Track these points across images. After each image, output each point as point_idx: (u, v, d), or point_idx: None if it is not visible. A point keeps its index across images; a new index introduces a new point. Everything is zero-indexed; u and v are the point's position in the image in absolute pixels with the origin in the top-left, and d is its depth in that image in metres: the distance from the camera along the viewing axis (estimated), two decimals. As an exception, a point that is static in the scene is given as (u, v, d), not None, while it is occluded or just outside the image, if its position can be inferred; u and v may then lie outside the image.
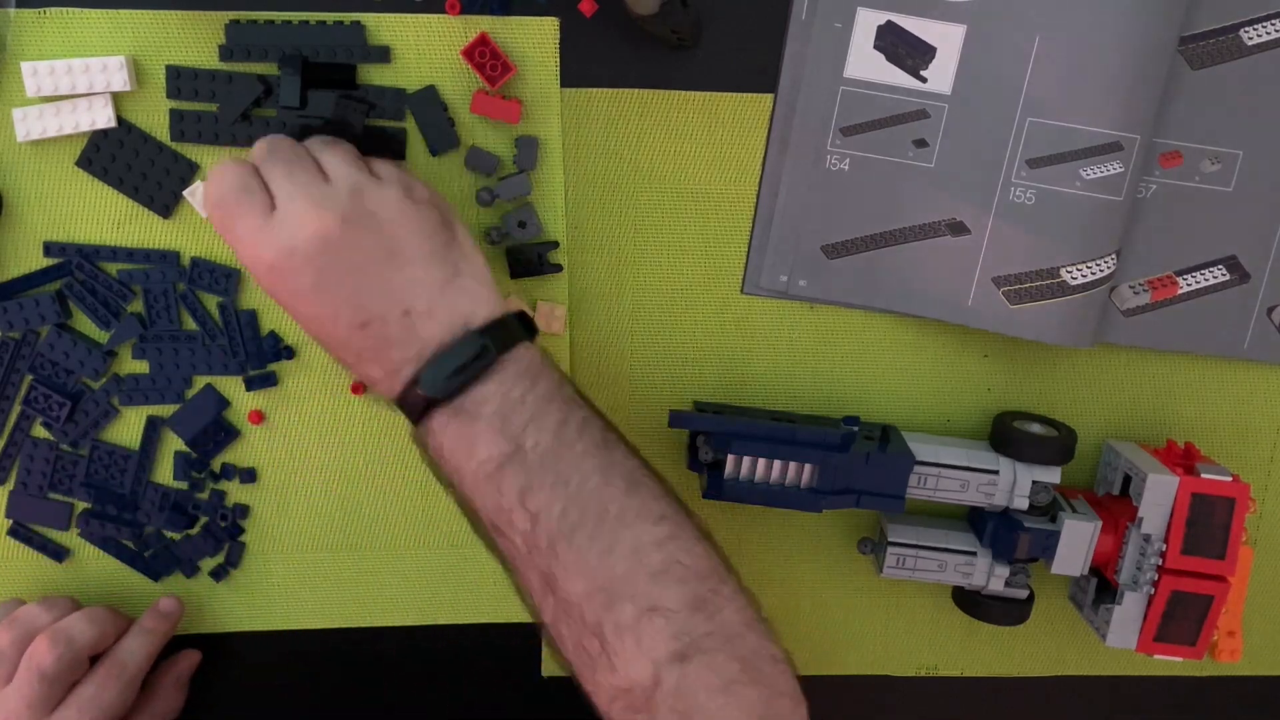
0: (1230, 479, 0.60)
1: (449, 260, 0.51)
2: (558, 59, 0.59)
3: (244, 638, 0.66)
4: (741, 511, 0.67)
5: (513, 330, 0.51)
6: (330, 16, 0.58)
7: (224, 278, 0.61)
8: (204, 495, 0.64)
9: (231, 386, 0.63)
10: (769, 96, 0.60)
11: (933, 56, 0.59)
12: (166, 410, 0.62)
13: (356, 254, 0.49)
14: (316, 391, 0.63)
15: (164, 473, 0.64)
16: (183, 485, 0.64)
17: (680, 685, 0.46)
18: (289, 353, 0.62)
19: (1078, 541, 0.61)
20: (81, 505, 0.64)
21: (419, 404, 0.50)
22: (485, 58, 0.57)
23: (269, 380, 0.62)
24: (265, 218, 0.49)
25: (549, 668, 0.68)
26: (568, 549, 0.48)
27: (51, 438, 0.62)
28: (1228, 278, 0.63)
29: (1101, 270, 0.59)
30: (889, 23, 0.58)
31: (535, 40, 0.58)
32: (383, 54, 0.58)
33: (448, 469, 0.50)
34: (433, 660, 0.68)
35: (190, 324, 0.61)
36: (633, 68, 0.60)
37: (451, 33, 0.58)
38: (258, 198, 0.50)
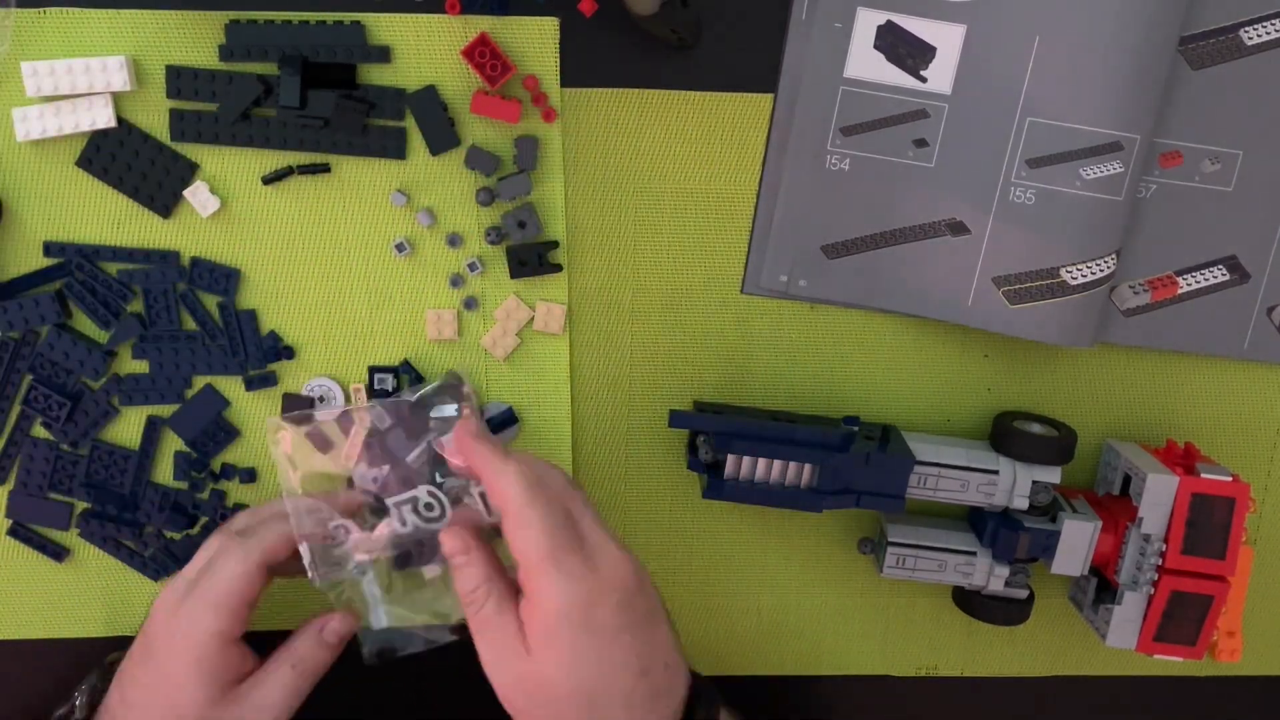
0: (1230, 479, 0.60)
1: (669, 620, 0.55)
2: (558, 59, 0.59)
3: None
4: (741, 511, 0.67)
5: (703, 680, 0.57)
6: (330, 16, 0.58)
7: (224, 278, 0.61)
8: (204, 495, 0.64)
9: (231, 386, 0.63)
10: (769, 96, 0.60)
11: (933, 56, 0.59)
12: (166, 410, 0.63)
13: (644, 608, 0.52)
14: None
15: (164, 473, 0.64)
16: (183, 485, 0.64)
17: None
18: (289, 353, 0.62)
19: (1078, 541, 0.61)
20: (81, 505, 0.64)
21: None
22: (485, 58, 0.57)
23: (269, 380, 0.62)
24: (586, 555, 0.50)
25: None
26: None
27: (51, 438, 0.62)
28: (1228, 278, 0.63)
29: (1101, 270, 0.59)
30: (889, 23, 0.58)
31: (535, 40, 0.58)
32: (383, 54, 0.58)
33: None
34: (433, 660, 0.68)
35: (190, 324, 0.61)
36: (633, 68, 0.60)
37: (451, 33, 0.58)
38: (578, 540, 0.51)
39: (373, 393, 0.62)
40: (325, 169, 0.60)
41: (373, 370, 0.63)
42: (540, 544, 0.49)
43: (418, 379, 0.62)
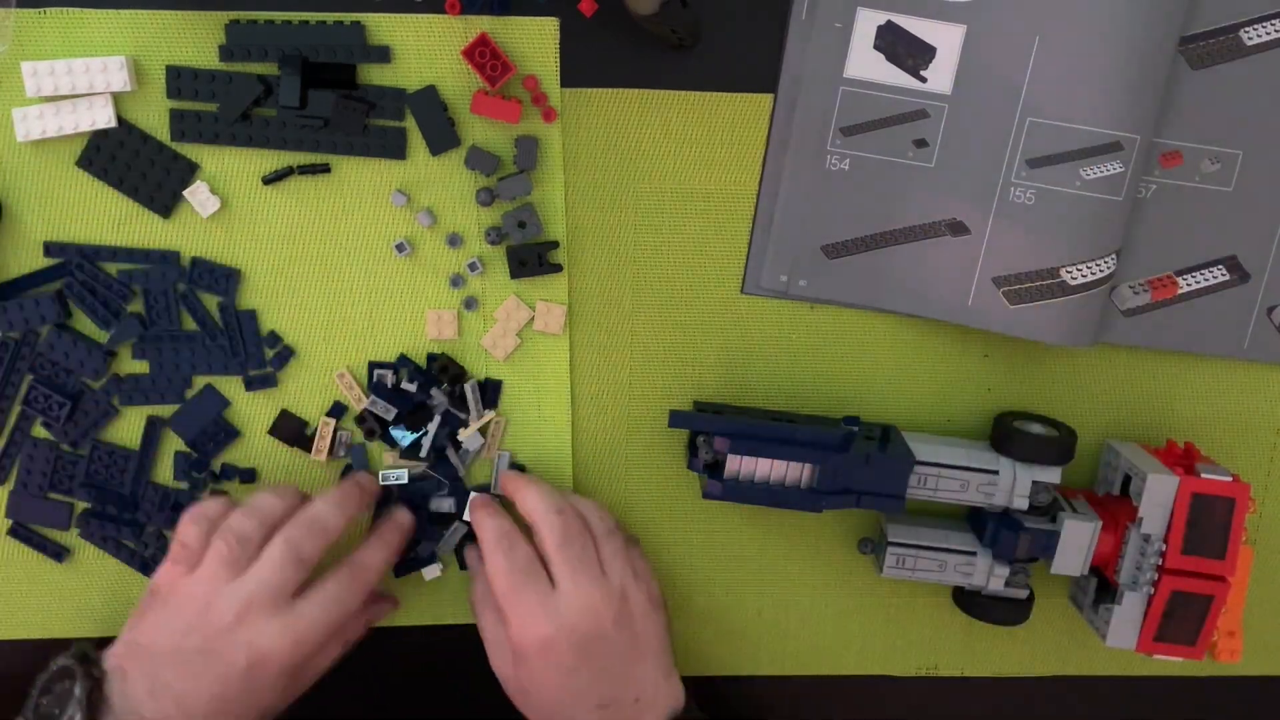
0: (1230, 479, 0.60)
1: (669, 654, 0.61)
2: (558, 59, 0.59)
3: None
4: (741, 511, 0.67)
5: (695, 712, 0.61)
6: (330, 16, 0.58)
7: (224, 278, 0.61)
8: (204, 496, 0.64)
9: (231, 386, 0.63)
10: (769, 96, 0.60)
11: (933, 56, 0.59)
12: (167, 410, 0.63)
13: (615, 647, 0.57)
14: (314, 392, 0.63)
15: (164, 473, 0.64)
16: (183, 485, 0.64)
17: None
18: (289, 353, 0.62)
19: (1078, 541, 0.61)
20: (81, 505, 0.64)
21: None
22: (485, 58, 0.57)
23: (269, 381, 0.62)
24: (546, 597, 0.57)
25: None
26: None
27: (51, 438, 0.62)
28: (1228, 278, 0.63)
29: (1101, 270, 0.59)
30: (889, 23, 0.58)
31: (535, 40, 0.58)
32: (383, 54, 0.58)
33: None
34: (433, 660, 0.68)
35: (190, 324, 0.61)
36: (633, 68, 0.60)
37: (451, 33, 0.58)
38: (543, 582, 0.57)
39: (371, 388, 0.62)
40: (325, 169, 0.60)
41: (372, 366, 0.63)
42: (499, 584, 0.57)
43: (417, 373, 0.62)
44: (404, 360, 0.63)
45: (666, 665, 0.60)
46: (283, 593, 0.55)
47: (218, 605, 0.54)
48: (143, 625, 0.55)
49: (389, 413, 0.62)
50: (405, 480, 0.64)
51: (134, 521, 0.64)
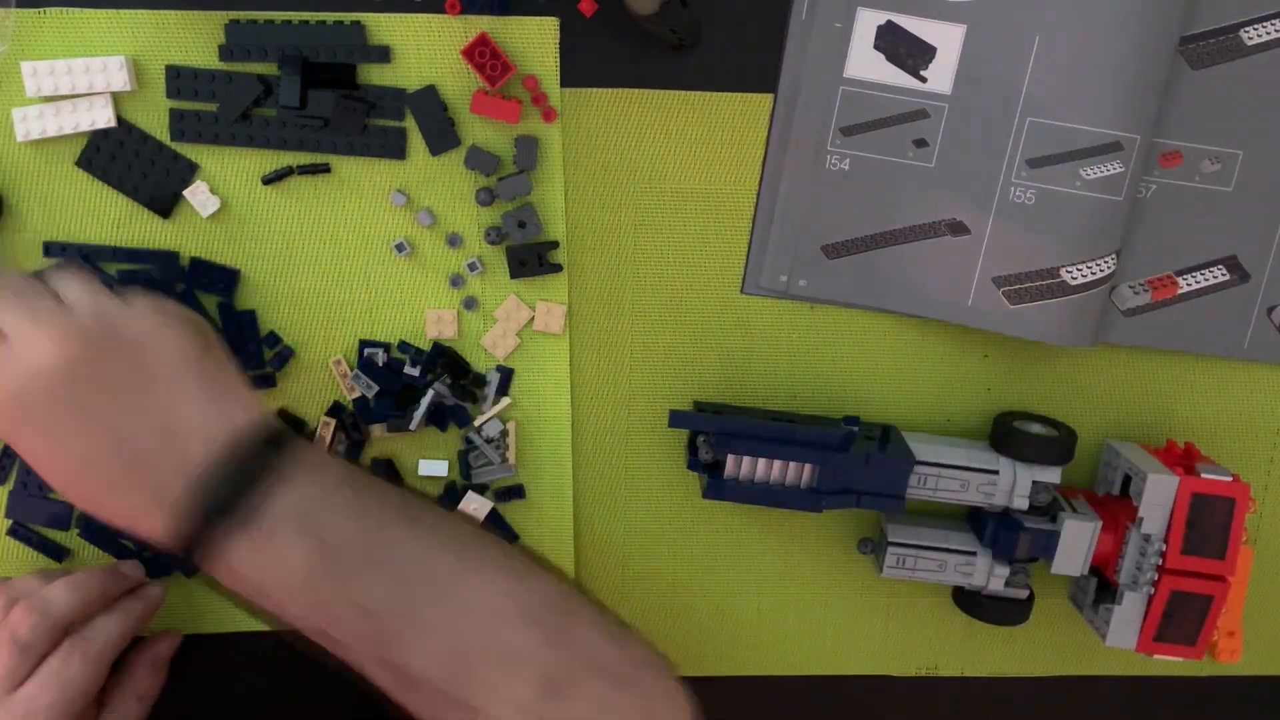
0: (1230, 479, 0.60)
1: (207, 370, 0.49)
2: (558, 59, 0.59)
3: (244, 638, 0.66)
4: (741, 511, 0.67)
5: (283, 429, 0.49)
6: (330, 16, 0.58)
7: (224, 278, 0.61)
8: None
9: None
10: (769, 96, 0.60)
11: (933, 56, 0.59)
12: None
13: (108, 377, 0.46)
14: (314, 392, 0.63)
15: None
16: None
17: None
18: (289, 353, 0.62)
19: (1078, 541, 0.61)
20: None
21: (201, 529, 0.46)
22: (485, 58, 0.57)
23: (268, 381, 0.62)
24: None
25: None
26: (408, 630, 0.46)
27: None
28: (1228, 278, 0.63)
29: (1101, 270, 0.59)
30: (889, 23, 0.58)
31: (535, 40, 0.58)
32: (383, 54, 0.58)
33: (251, 592, 0.47)
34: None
35: (190, 324, 0.61)
36: (633, 68, 0.60)
37: (451, 33, 0.58)
38: None
39: (360, 365, 0.62)
40: (325, 169, 0.60)
41: (363, 344, 0.62)
42: None
43: (419, 357, 0.62)
44: (405, 346, 0.62)
45: (208, 382, 0.48)
46: (4, 678, 0.51)
47: None
48: None
49: (370, 389, 0.62)
50: (444, 473, 0.64)
51: None
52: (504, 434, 0.64)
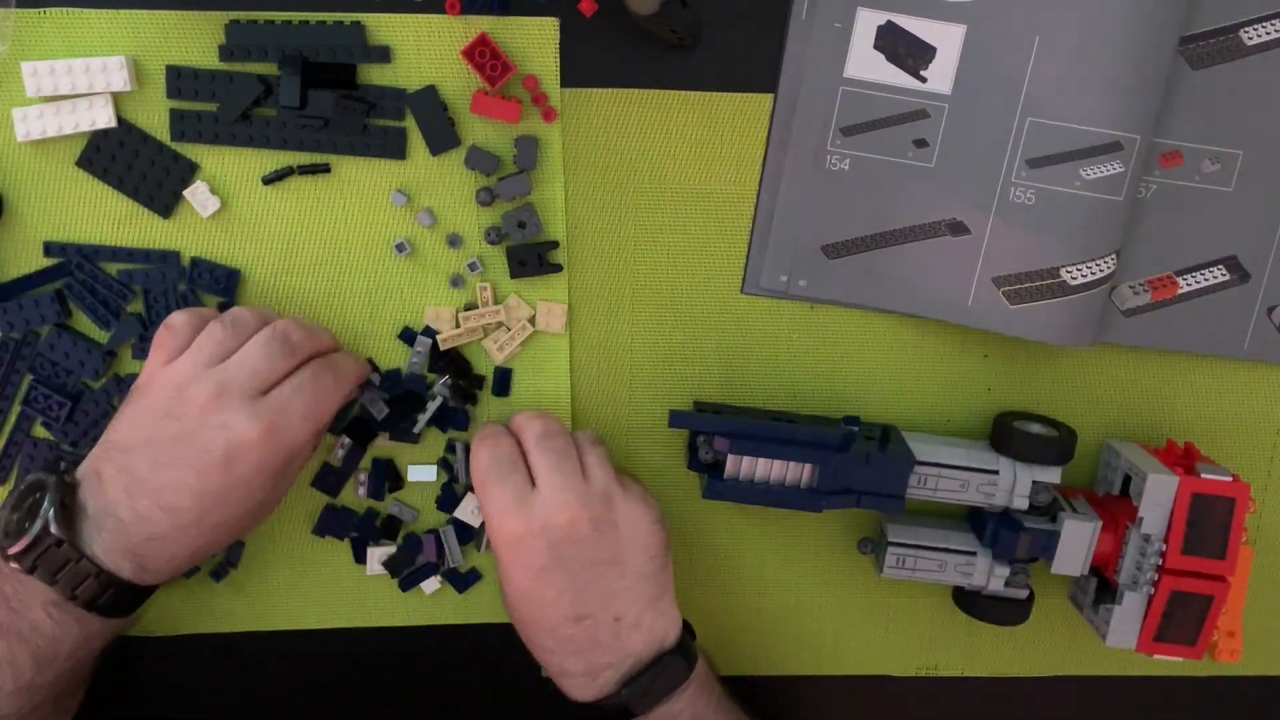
0: (1230, 479, 0.60)
1: (659, 581, 0.57)
2: (558, 59, 0.59)
3: (244, 637, 0.66)
4: (741, 511, 0.67)
5: (692, 649, 0.58)
6: (330, 16, 0.58)
7: (224, 278, 0.61)
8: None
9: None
10: (769, 96, 0.60)
11: (933, 56, 0.59)
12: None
13: (593, 553, 0.55)
14: (316, 391, 0.63)
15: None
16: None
17: None
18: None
19: (1078, 541, 0.61)
20: None
21: (616, 712, 0.56)
22: (485, 58, 0.57)
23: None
24: (523, 494, 0.55)
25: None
26: None
27: (52, 438, 0.62)
28: (1228, 278, 0.63)
29: (1101, 270, 0.59)
30: (889, 23, 0.58)
31: (535, 40, 0.58)
32: (383, 54, 0.58)
33: None
34: (433, 660, 0.68)
35: (190, 324, 0.61)
36: (633, 68, 0.60)
37: (451, 33, 0.58)
38: (521, 474, 0.56)
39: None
40: (325, 169, 0.60)
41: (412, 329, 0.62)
42: (477, 478, 0.56)
43: (433, 350, 0.62)
44: (430, 332, 0.62)
45: (656, 592, 0.57)
46: (261, 379, 0.52)
47: (193, 389, 0.52)
48: (119, 424, 0.53)
49: (382, 412, 0.62)
50: (433, 479, 0.64)
51: None
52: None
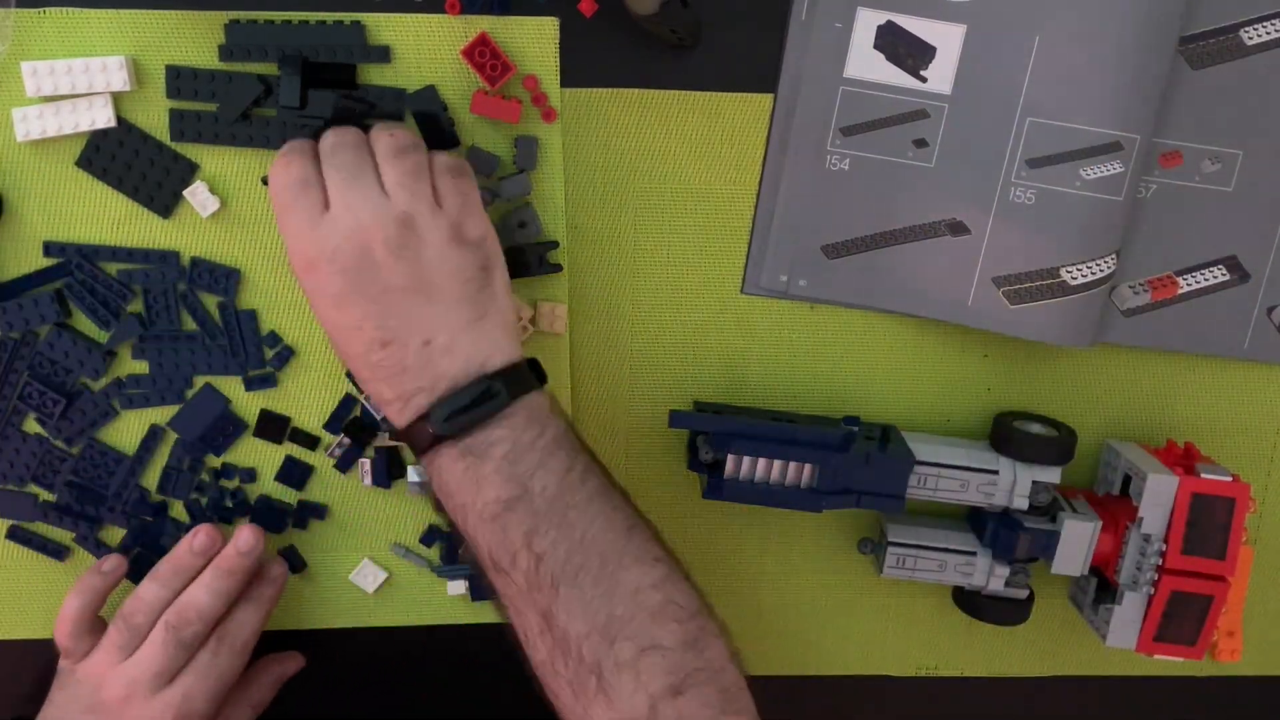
0: (1230, 479, 0.60)
1: (478, 303, 0.53)
2: (558, 59, 0.59)
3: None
4: (741, 511, 0.67)
5: (525, 378, 0.53)
6: (330, 16, 0.58)
7: (224, 278, 0.61)
8: (204, 499, 0.64)
9: (231, 387, 0.62)
10: (769, 96, 0.60)
11: (933, 56, 0.59)
12: (167, 412, 0.62)
13: (391, 277, 0.51)
14: (316, 390, 0.63)
15: (152, 478, 0.63)
16: (164, 498, 0.64)
17: (675, 718, 0.48)
18: (289, 352, 0.62)
19: (1078, 541, 0.61)
20: (45, 495, 0.63)
21: (426, 437, 0.51)
22: (485, 58, 0.57)
23: (269, 381, 0.62)
24: (316, 216, 0.51)
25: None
26: (570, 590, 0.50)
27: (45, 434, 0.62)
28: (1228, 278, 0.63)
29: (1101, 270, 0.59)
30: (889, 23, 0.58)
31: (535, 40, 0.58)
32: (383, 54, 0.58)
33: (451, 504, 0.52)
34: (433, 660, 0.68)
35: (190, 324, 0.61)
36: (633, 68, 0.60)
37: (451, 33, 0.58)
38: (314, 196, 0.51)
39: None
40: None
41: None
42: (274, 203, 0.53)
43: None
44: None
45: (474, 315, 0.52)
46: (163, 674, 0.58)
47: (107, 685, 0.58)
48: (53, 702, 0.60)
49: (380, 412, 0.62)
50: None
51: (96, 518, 0.63)
52: None
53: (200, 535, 0.61)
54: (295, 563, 0.66)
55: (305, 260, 0.52)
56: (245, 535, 0.61)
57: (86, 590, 0.60)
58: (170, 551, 0.62)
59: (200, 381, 0.62)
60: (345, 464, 0.64)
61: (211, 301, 0.61)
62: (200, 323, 0.61)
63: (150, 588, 0.60)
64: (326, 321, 0.53)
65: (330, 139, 0.53)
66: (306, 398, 0.63)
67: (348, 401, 0.63)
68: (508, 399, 0.51)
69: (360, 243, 0.51)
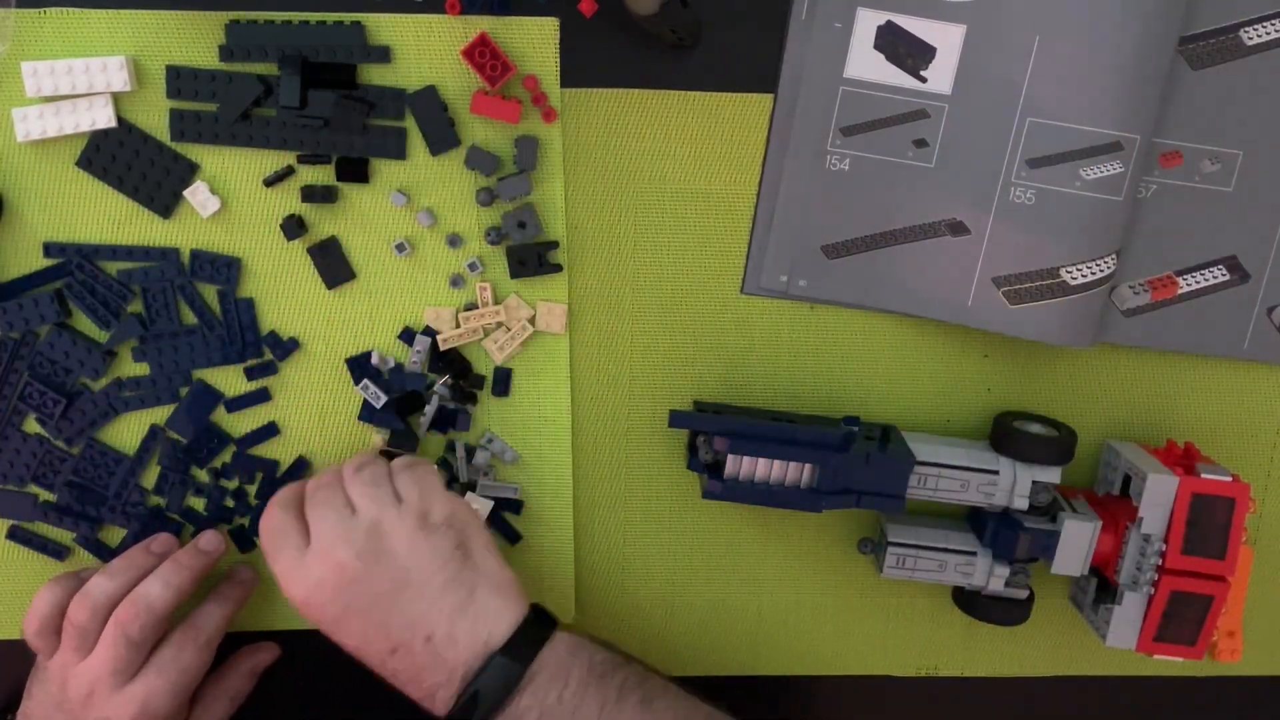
0: (1230, 479, 0.60)
1: (463, 581, 0.54)
2: (558, 59, 0.59)
3: (245, 637, 0.66)
4: (741, 511, 0.67)
5: (533, 636, 0.54)
6: (330, 16, 0.58)
7: (225, 267, 0.61)
8: (201, 500, 0.64)
9: (231, 376, 0.62)
10: (769, 96, 0.60)
11: (933, 56, 0.59)
12: (167, 411, 0.62)
13: (374, 584, 0.53)
14: (316, 384, 0.63)
15: (150, 479, 0.64)
16: (161, 501, 0.64)
17: None
18: (293, 344, 0.62)
19: (1078, 541, 0.61)
20: (45, 496, 0.63)
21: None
22: (485, 58, 0.57)
23: (269, 369, 0.62)
24: (299, 556, 0.55)
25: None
26: None
27: (45, 434, 0.62)
28: (1228, 278, 0.63)
29: (1101, 270, 0.59)
30: (889, 23, 0.58)
31: (535, 40, 0.58)
32: (383, 54, 0.58)
33: None
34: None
35: (190, 318, 0.61)
36: (633, 68, 0.60)
37: (451, 33, 0.58)
38: (292, 540, 0.55)
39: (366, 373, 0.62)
40: (326, 159, 0.59)
41: (353, 362, 0.63)
42: (263, 546, 0.56)
43: (433, 350, 0.62)
44: (430, 331, 0.62)
45: (462, 597, 0.54)
46: (120, 672, 0.57)
47: (71, 685, 0.58)
48: (31, 696, 0.61)
49: (379, 399, 0.62)
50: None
51: (97, 518, 0.63)
52: (490, 467, 0.65)
53: (160, 537, 0.62)
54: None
55: (299, 598, 0.54)
56: (208, 535, 0.62)
57: (56, 589, 0.59)
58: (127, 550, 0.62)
59: (194, 377, 0.62)
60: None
61: (210, 291, 0.61)
62: (199, 314, 0.61)
63: (98, 582, 0.59)
64: (342, 646, 0.55)
65: (312, 483, 0.57)
66: (307, 397, 0.63)
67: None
68: (521, 670, 0.53)
69: (337, 564, 0.53)
